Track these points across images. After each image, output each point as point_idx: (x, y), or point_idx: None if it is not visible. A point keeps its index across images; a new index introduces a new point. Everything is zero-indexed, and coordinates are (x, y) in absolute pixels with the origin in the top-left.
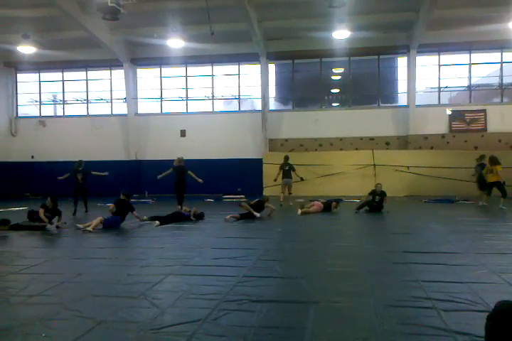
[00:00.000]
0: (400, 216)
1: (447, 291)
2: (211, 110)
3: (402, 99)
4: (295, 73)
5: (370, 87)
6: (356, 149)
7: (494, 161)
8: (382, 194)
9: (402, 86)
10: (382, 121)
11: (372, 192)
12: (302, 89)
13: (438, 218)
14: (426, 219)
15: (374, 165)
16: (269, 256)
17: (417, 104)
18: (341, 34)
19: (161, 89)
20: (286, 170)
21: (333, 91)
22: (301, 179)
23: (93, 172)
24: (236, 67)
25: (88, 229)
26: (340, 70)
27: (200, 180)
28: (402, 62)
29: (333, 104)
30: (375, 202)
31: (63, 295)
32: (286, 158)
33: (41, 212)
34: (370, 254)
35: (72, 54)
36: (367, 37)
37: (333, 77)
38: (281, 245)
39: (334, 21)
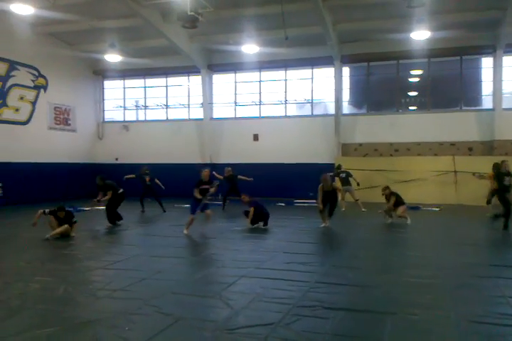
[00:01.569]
0: (485, 226)
1: None
2: (284, 114)
3: (487, 102)
4: (370, 76)
5: (451, 89)
6: (435, 155)
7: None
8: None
9: (486, 88)
10: (465, 125)
11: (498, 174)
12: (377, 93)
13: None
14: None
15: (455, 171)
16: (341, 262)
17: (503, 107)
18: (420, 35)
19: (236, 94)
20: (344, 177)
21: (410, 94)
22: (357, 184)
23: (156, 180)
24: (309, 70)
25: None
26: (419, 72)
27: (249, 179)
28: (487, 62)
29: (411, 108)
30: (506, 186)
31: (144, 291)
32: (339, 166)
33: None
34: (451, 266)
35: (154, 61)
36: (448, 37)
37: (411, 80)
38: (353, 252)
39: (413, 22)
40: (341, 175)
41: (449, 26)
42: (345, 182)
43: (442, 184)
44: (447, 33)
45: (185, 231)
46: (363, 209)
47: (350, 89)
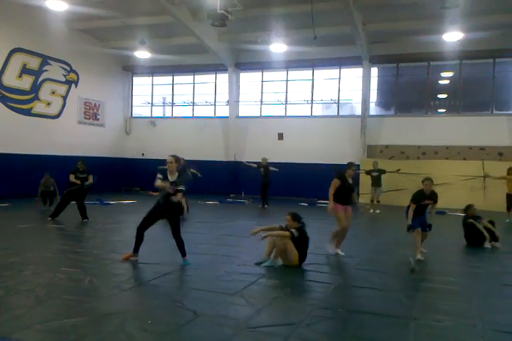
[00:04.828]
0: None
1: None
2: (309, 114)
3: None
4: (399, 77)
5: (482, 92)
6: (464, 159)
7: None
8: None
9: None
10: (496, 130)
11: None
12: (406, 94)
13: None
14: None
15: (484, 177)
16: (365, 265)
17: None
18: (453, 36)
19: (262, 92)
20: (375, 176)
21: (440, 96)
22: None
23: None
24: (337, 70)
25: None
26: (450, 74)
27: (275, 169)
28: None
29: (440, 110)
30: None
31: (167, 285)
32: (374, 164)
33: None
34: (478, 273)
35: (182, 59)
36: (482, 38)
37: (441, 82)
38: (378, 255)
39: (445, 23)
40: (373, 173)
41: (482, 28)
42: (376, 181)
43: (470, 189)
44: (481, 34)
45: (419, 256)
46: (377, 211)
47: (378, 90)
